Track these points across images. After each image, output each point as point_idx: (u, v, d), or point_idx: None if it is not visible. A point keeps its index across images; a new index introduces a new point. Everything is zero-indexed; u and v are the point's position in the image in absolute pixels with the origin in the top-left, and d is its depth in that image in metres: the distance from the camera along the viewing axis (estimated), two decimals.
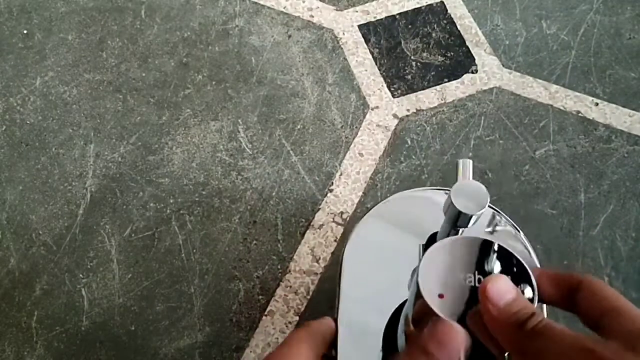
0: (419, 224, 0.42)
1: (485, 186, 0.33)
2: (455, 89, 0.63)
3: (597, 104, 0.62)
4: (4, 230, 0.55)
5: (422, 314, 0.28)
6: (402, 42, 0.66)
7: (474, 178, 0.33)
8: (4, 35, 0.65)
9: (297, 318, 0.51)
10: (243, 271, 0.53)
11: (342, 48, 0.65)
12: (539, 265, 0.36)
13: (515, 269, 0.28)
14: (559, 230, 0.55)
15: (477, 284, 0.27)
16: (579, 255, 0.54)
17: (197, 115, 0.61)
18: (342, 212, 0.56)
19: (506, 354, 0.25)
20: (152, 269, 0.53)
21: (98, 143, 0.59)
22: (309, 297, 0.52)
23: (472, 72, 0.64)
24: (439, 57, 0.65)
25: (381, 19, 0.67)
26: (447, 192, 0.36)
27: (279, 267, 0.54)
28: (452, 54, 0.65)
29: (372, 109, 0.61)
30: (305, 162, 0.59)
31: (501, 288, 0.25)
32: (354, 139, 0.60)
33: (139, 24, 0.66)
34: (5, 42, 0.64)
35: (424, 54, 0.65)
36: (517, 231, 0.42)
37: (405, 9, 0.68)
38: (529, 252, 0.41)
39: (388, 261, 0.41)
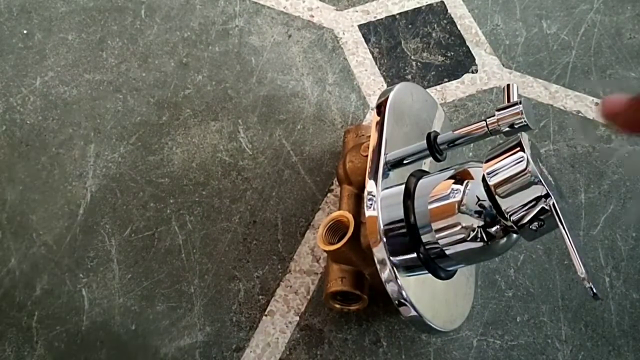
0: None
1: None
2: (456, 89, 0.63)
3: (597, 104, 0.62)
4: (4, 230, 0.55)
5: None
6: (402, 42, 0.66)
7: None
8: (3, 35, 0.65)
9: (297, 318, 0.51)
10: (243, 271, 0.53)
11: (342, 48, 0.65)
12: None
13: None
14: None
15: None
16: None
17: (197, 116, 0.61)
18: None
19: None
20: (152, 269, 0.53)
21: (98, 143, 0.59)
22: (309, 297, 0.52)
23: (472, 72, 0.64)
24: (439, 57, 0.65)
25: (381, 19, 0.67)
26: None
27: (279, 267, 0.54)
28: (452, 53, 0.65)
29: (373, 109, 0.61)
30: (306, 162, 0.59)
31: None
32: None
33: (139, 24, 0.66)
34: (5, 42, 0.64)
35: (424, 54, 0.65)
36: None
37: (405, 9, 0.68)
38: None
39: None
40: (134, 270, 0.53)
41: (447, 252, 0.40)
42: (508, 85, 0.41)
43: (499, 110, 0.40)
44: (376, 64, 0.64)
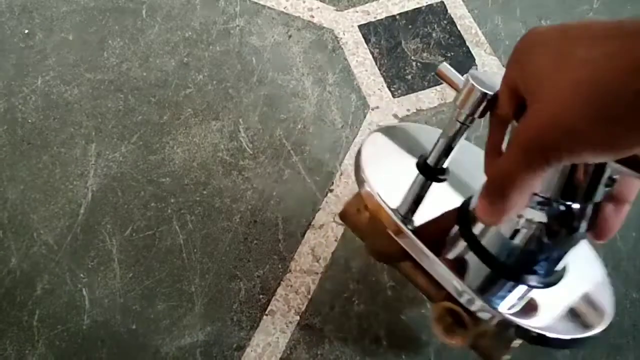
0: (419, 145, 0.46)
1: None
2: None
3: None
4: (5, 229, 0.55)
5: None
6: (403, 42, 0.66)
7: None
8: (5, 35, 0.65)
9: (297, 317, 0.52)
10: (244, 270, 0.54)
11: (342, 48, 0.65)
12: None
13: None
14: None
15: None
16: None
17: (198, 115, 0.61)
18: None
19: None
20: (153, 268, 0.53)
21: (99, 142, 0.59)
22: (309, 296, 0.52)
23: None
24: (439, 57, 0.65)
25: (381, 19, 0.67)
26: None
27: (279, 266, 0.54)
28: (452, 54, 0.65)
29: (373, 109, 0.61)
30: (306, 162, 0.59)
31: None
32: (354, 139, 0.60)
33: (140, 24, 0.66)
34: (6, 41, 0.64)
35: (424, 54, 0.65)
36: None
37: (405, 9, 0.68)
38: None
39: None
40: (135, 269, 0.53)
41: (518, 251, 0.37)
42: (439, 70, 0.36)
43: (455, 100, 0.36)
44: (376, 64, 0.64)
